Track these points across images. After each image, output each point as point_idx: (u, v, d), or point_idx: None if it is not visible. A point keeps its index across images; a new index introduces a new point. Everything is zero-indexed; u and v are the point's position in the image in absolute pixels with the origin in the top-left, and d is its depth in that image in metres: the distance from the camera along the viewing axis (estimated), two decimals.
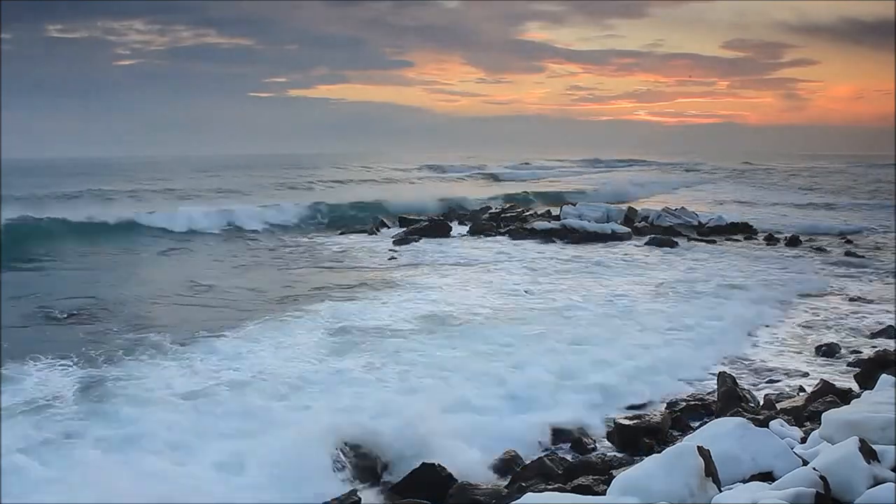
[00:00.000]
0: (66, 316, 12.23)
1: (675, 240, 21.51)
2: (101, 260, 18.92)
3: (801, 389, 8.59)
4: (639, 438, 7.08)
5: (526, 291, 14.48)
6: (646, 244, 21.18)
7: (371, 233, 24.34)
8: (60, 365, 9.27)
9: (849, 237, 23.43)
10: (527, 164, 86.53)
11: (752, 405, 7.73)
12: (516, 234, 22.99)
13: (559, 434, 7.43)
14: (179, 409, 7.72)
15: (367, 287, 14.80)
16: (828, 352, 10.41)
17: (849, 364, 9.76)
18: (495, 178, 57.19)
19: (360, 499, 5.82)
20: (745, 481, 4.58)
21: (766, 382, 9.18)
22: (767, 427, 5.41)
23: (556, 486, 5.66)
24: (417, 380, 8.78)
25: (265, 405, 7.80)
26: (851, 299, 14.18)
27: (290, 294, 14.32)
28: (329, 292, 14.28)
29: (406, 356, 9.70)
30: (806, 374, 9.44)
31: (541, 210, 30.05)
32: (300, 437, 6.71)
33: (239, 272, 17.27)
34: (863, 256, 19.50)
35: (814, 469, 4.32)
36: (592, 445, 7.25)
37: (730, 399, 7.77)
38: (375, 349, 9.98)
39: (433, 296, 13.82)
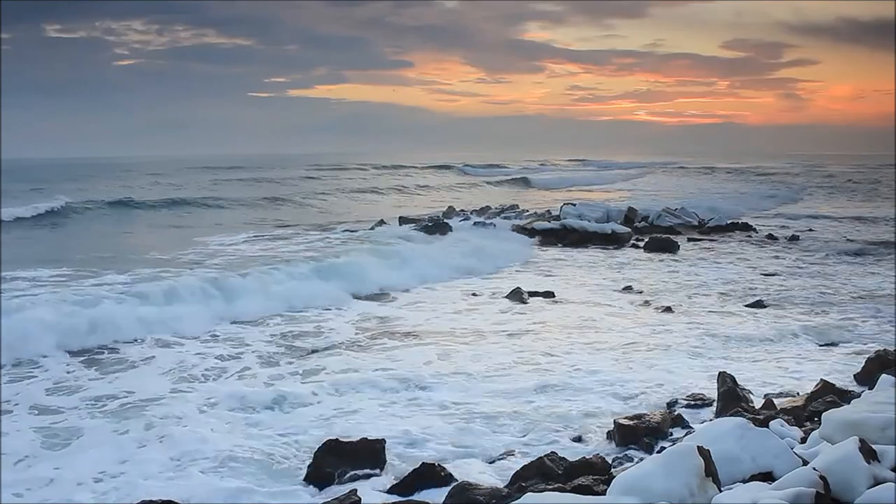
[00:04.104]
0: None
1: (675, 239, 21.50)
2: None
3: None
4: (639, 438, 7.07)
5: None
6: (644, 249, 21.11)
7: (371, 230, 24.55)
8: None
9: None
10: (544, 164, 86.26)
11: (753, 405, 7.71)
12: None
13: None
14: None
15: None
16: None
17: None
18: (528, 182, 54.60)
19: (359, 499, 5.81)
20: (745, 481, 4.58)
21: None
22: (767, 427, 5.41)
23: (556, 486, 5.65)
24: None
25: None
26: None
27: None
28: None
29: None
30: None
31: (541, 209, 30.04)
32: None
33: None
34: None
35: (814, 469, 4.32)
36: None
37: (730, 399, 7.76)
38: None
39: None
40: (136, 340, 10.82)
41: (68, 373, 9.51)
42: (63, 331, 10.47)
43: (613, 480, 4.41)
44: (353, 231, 24.65)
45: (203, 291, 12.88)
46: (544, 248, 20.98)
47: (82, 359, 10.09)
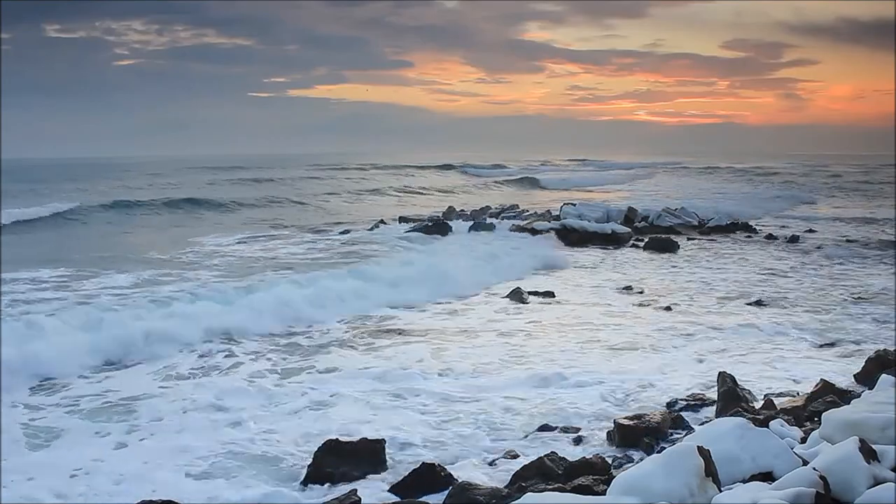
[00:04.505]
0: None
1: (675, 239, 21.49)
2: None
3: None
4: (639, 438, 7.07)
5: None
6: (644, 249, 21.11)
7: (371, 230, 24.62)
8: None
9: None
10: (545, 163, 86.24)
11: (753, 405, 7.71)
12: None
13: None
14: None
15: None
16: None
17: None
18: (533, 183, 53.23)
19: (359, 499, 5.82)
20: (745, 481, 4.58)
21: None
22: (767, 427, 5.41)
23: (556, 486, 5.65)
24: None
25: None
26: None
27: None
28: None
29: None
30: None
31: (541, 209, 30.05)
32: None
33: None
34: None
35: (814, 469, 4.31)
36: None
37: (730, 399, 7.76)
38: None
39: None
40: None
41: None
42: (95, 348, 10.06)
43: (613, 480, 4.41)
44: (350, 231, 24.69)
45: (224, 298, 12.56)
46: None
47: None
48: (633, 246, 21.44)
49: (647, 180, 61.54)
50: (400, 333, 11.57)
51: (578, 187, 52.01)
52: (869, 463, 4.32)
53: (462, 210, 30.49)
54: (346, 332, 11.71)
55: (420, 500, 5.83)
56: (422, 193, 44.54)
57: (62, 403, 8.40)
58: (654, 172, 73.85)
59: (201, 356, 10.28)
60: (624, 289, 14.99)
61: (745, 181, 59.63)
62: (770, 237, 23.22)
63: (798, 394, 8.31)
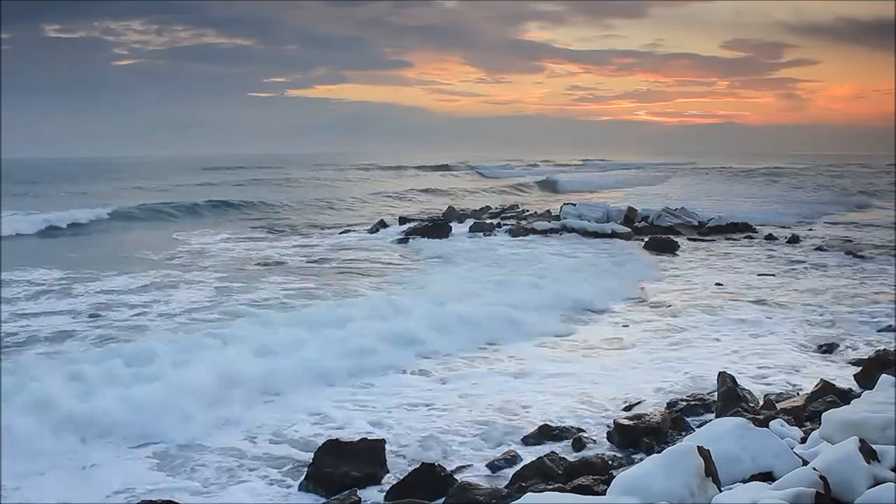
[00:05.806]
0: None
1: (675, 240, 21.46)
2: None
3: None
4: (639, 438, 7.07)
5: None
6: (643, 249, 21.06)
7: (372, 231, 24.56)
8: None
9: None
10: (547, 162, 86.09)
11: (753, 405, 7.72)
12: (517, 234, 23.01)
13: None
14: None
15: None
16: None
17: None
18: (548, 185, 50.44)
19: (360, 499, 5.82)
20: (745, 481, 4.58)
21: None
22: (767, 427, 5.41)
23: (556, 486, 5.66)
24: None
25: None
26: None
27: None
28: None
29: None
30: None
31: (541, 209, 30.08)
32: None
33: None
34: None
35: (814, 469, 4.31)
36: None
37: (730, 399, 7.76)
38: None
39: None
40: None
41: None
42: None
43: (613, 480, 4.41)
44: (350, 231, 24.71)
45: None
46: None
47: None
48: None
49: (678, 180, 57.40)
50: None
51: (597, 190, 47.45)
52: (869, 463, 4.32)
53: (462, 210, 30.48)
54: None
55: (420, 500, 5.84)
56: (421, 193, 44.42)
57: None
58: (668, 174, 70.00)
59: None
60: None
61: (772, 184, 53.90)
62: (770, 237, 23.21)
63: (798, 394, 8.32)
